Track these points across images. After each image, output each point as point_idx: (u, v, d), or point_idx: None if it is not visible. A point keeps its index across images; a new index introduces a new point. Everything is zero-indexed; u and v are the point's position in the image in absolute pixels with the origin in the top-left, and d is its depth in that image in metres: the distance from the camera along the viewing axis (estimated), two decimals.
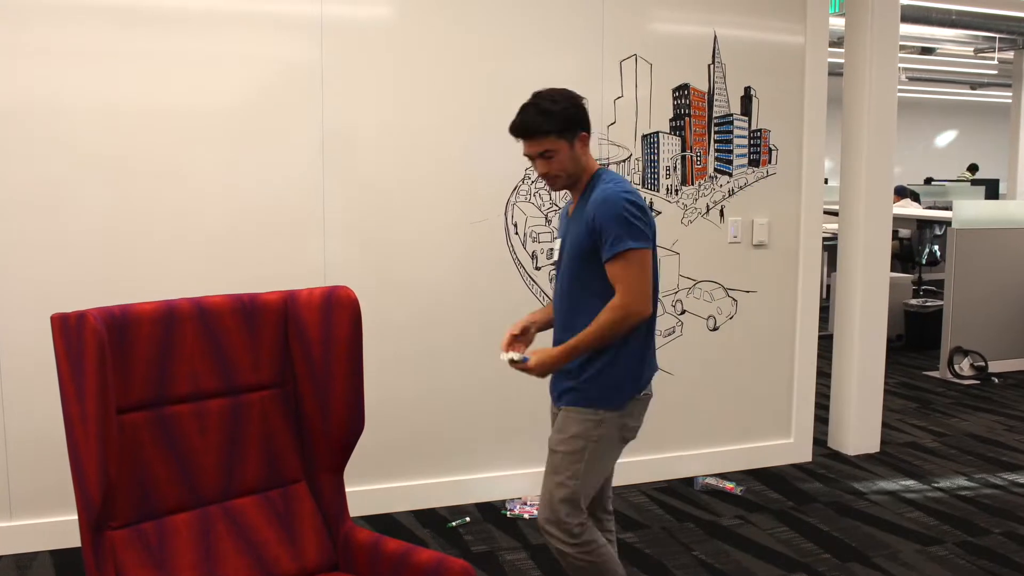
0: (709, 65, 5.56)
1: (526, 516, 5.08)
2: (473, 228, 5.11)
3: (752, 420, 5.95)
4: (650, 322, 3.44)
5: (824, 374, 6.54)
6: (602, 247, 3.27)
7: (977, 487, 5.63)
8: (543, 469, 3.46)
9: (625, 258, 3.23)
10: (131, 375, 2.83)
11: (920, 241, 12.35)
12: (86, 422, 2.61)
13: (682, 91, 5.51)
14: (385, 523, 5.01)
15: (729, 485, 5.57)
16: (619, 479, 5.53)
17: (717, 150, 5.62)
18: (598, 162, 3.64)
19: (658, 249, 3.50)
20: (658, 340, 5.50)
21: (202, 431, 2.99)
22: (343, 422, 3.15)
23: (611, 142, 5.34)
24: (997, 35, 12.72)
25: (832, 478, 5.79)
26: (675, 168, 5.52)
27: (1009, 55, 14.57)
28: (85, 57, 4.41)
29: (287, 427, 3.19)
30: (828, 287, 10.08)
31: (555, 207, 5.23)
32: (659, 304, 3.79)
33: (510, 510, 5.14)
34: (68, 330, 2.63)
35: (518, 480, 5.32)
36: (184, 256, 4.65)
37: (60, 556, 4.54)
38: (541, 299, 5.28)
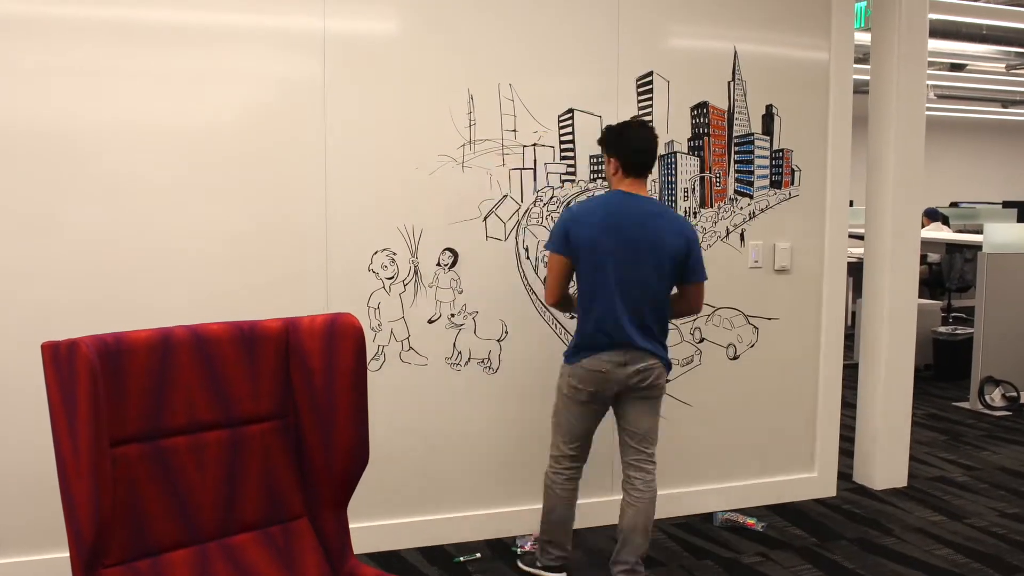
0: (729, 82, 5.56)
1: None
2: (481, 250, 5.10)
3: (774, 453, 5.93)
4: (588, 309, 4.43)
5: (849, 405, 6.51)
6: None
7: (1009, 523, 5.59)
8: (577, 501, 4.55)
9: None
10: (125, 406, 2.82)
11: (950, 266, 12.31)
12: (78, 455, 2.60)
13: (701, 109, 5.51)
14: (390, 561, 4.99)
15: (750, 521, 5.54)
16: None
17: (737, 171, 5.62)
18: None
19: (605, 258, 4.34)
20: (677, 369, 5.51)
21: (199, 465, 2.98)
22: (346, 455, 3.13)
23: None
24: None
25: (858, 514, 5.76)
26: (693, 190, 5.51)
27: None
28: (79, 75, 4.43)
29: (288, 461, 3.17)
30: (853, 314, 10.06)
31: None
32: (605, 303, 4.39)
33: (521, 547, 5.11)
34: (59, 359, 2.62)
35: (530, 516, 5.30)
36: (180, 281, 4.65)
37: None
38: (553, 326, 5.27)
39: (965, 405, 8.57)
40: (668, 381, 4.65)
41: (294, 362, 3.16)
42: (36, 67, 4.35)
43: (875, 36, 6.15)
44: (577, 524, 4.77)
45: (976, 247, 9.99)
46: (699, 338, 5.62)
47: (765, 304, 5.78)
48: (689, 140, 5.49)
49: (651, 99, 5.37)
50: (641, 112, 5.34)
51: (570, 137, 5.21)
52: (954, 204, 18.51)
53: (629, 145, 4.42)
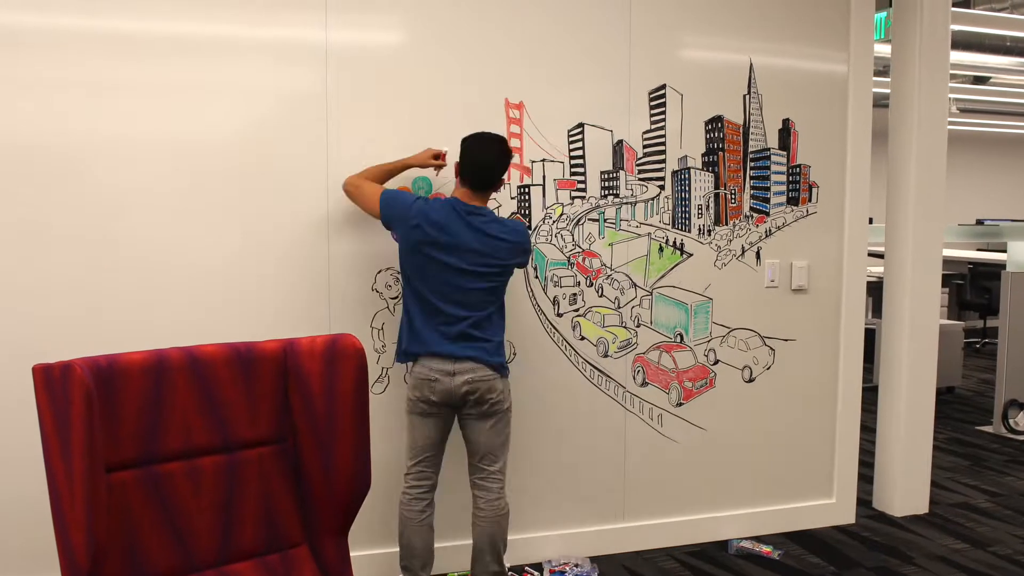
0: (744, 95, 5.56)
1: None
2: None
3: (791, 479, 5.91)
4: (415, 305, 4.41)
5: (868, 429, 6.50)
6: None
7: None
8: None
9: None
10: (119, 430, 2.82)
11: (973, 286, 12.29)
12: (72, 482, 2.59)
13: (715, 123, 5.51)
14: None
15: (766, 549, 5.52)
16: (646, 542, 5.53)
17: (753, 187, 5.61)
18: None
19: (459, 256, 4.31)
20: (689, 392, 5.49)
21: (196, 491, 2.98)
22: (347, 481, 3.13)
23: (638, 180, 5.33)
24: None
25: (877, 541, 5.73)
26: (707, 207, 5.51)
27: None
28: (78, 87, 4.43)
29: (287, 486, 3.17)
30: (873, 335, 10.04)
31: (578, 248, 5.22)
32: (441, 299, 4.37)
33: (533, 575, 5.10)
34: (52, 382, 2.62)
35: (551, 542, 5.29)
36: (177, 299, 4.64)
37: None
38: (563, 348, 5.26)
39: (988, 429, 8.54)
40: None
41: (293, 385, 3.16)
42: (35, 79, 4.36)
43: (896, 48, 6.15)
44: None
45: (1000, 265, 9.97)
46: (714, 360, 5.61)
47: (782, 325, 5.76)
48: (703, 155, 5.48)
49: (664, 113, 5.37)
50: (654, 126, 5.34)
51: (580, 152, 5.21)
52: (979, 222, 18.48)
53: (473, 157, 4.42)
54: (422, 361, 4.38)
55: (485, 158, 4.38)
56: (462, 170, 4.42)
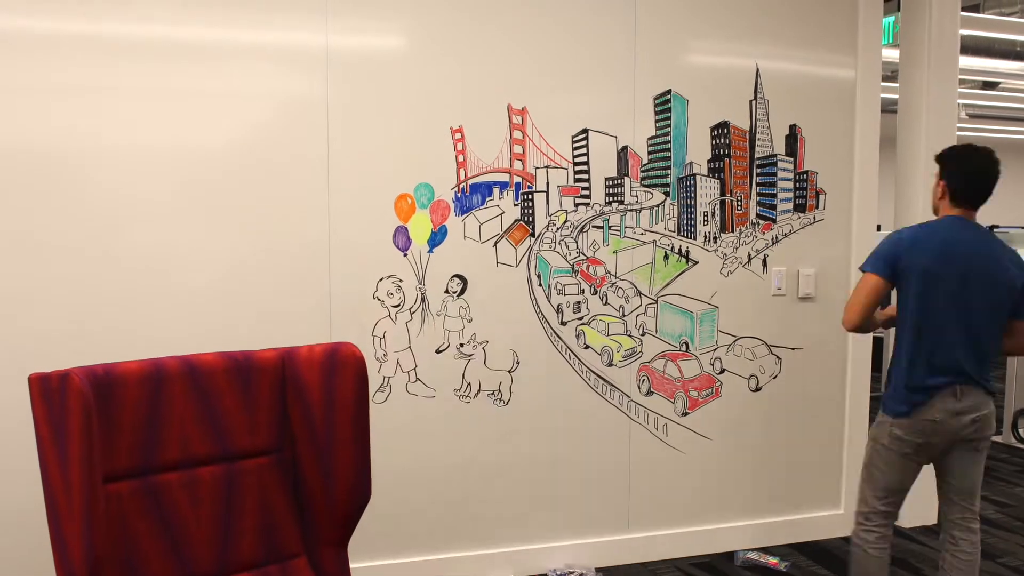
0: (751, 101, 5.56)
1: None
2: (492, 276, 5.10)
3: (798, 489, 5.90)
4: (915, 345, 4.13)
5: None
6: None
7: None
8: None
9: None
10: (116, 441, 2.81)
11: None
12: (70, 492, 2.59)
13: (721, 129, 5.51)
14: None
15: (773, 560, 5.51)
16: (652, 553, 5.52)
17: (759, 194, 5.61)
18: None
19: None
20: (695, 401, 5.49)
21: (194, 501, 2.97)
22: (347, 491, 3.13)
23: (643, 186, 5.33)
24: None
25: None
26: (713, 213, 5.50)
27: None
28: (77, 92, 4.43)
29: (286, 497, 3.16)
30: (881, 343, 10.02)
31: (582, 256, 5.22)
32: (937, 338, 4.14)
33: None
34: (49, 392, 2.62)
35: (557, 553, 5.28)
36: (176, 308, 4.64)
37: None
38: (567, 356, 5.26)
39: (998, 439, 8.52)
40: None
41: (291, 394, 3.15)
42: (33, 84, 4.36)
43: (904, 53, 6.14)
44: None
45: None
46: (720, 369, 5.60)
47: (788, 333, 5.76)
48: (709, 161, 5.48)
49: (669, 118, 5.37)
50: (658, 132, 5.34)
51: (584, 158, 5.20)
52: (991, 228, 18.43)
53: (968, 170, 4.21)
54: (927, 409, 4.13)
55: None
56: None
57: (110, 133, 4.48)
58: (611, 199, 5.27)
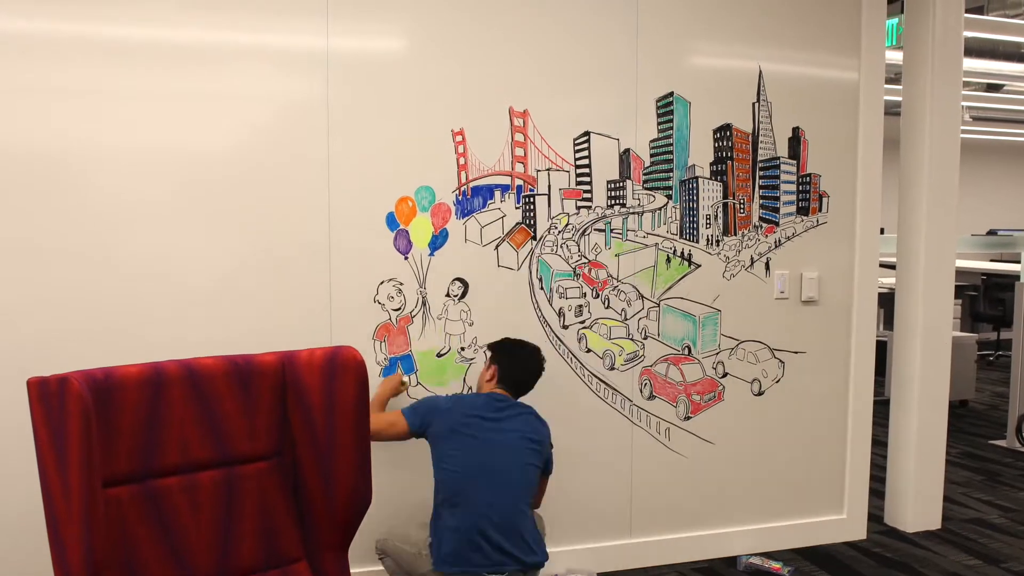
0: (753, 103, 5.56)
1: None
2: (493, 280, 5.09)
3: (801, 493, 5.89)
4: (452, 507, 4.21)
5: (880, 443, 6.48)
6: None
7: None
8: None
9: None
10: (115, 445, 2.81)
11: (986, 297, 12.28)
12: (69, 497, 2.58)
13: (724, 132, 5.50)
14: None
15: (776, 565, 5.50)
16: (654, 558, 5.52)
17: (762, 197, 5.60)
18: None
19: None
20: (697, 405, 5.48)
21: (193, 506, 2.97)
22: (347, 496, 3.12)
23: (644, 190, 5.33)
24: None
25: (889, 557, 5.71)
26: (716, 216, 5.50)
27: None
28: (71, 95, 4.43)
29: (286, 501, 3.16)
30: (884, 347, 10.02)
31: (584, 259, 5.21)
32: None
33: None
34: (48, 396, 2.62)
35: (558, 558, 5.27)
36: (175, 311, 4.63)
37: None
38: (568, 360, 5.25)
39: (1002, 443, 8.52)
40: None
41: (291, 398, 3.15)
42: (33, 86, 4.36)
43: (907, 55, 6.14)
44: None
45: (1014, 277, 9.94)
46: (722, 373, 5.59)
47: (791, 337, 5.75)
48: (711, 164, 5.47)
49: (671, 120, 5.36)
50: (661, 134, 5.33)
51: (586, 161, 5.20)
52: (992, 232, 18.47)
53: (517, 366, 4.63)
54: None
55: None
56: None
57: (110, 135, 4.48)
58: (613, 202, 5.27)
